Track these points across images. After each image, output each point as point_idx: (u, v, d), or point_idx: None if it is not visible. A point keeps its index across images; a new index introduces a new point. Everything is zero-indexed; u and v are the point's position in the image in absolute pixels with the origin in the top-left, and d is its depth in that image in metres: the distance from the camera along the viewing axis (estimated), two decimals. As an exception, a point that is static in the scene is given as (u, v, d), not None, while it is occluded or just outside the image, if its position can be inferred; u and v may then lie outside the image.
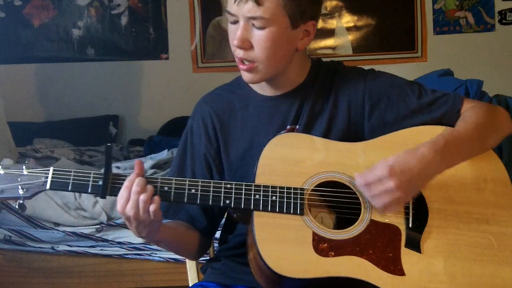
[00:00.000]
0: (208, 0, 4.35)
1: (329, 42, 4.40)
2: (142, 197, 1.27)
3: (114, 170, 1.31)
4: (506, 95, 2.53)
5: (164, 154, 3.09)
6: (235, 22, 1.38)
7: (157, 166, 2.89)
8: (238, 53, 1.40)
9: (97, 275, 2.74)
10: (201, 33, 4.38)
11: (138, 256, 2.69)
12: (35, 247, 2.70)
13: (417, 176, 1.29)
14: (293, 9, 1.37)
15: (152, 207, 1.27)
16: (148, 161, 2.92)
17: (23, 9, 4.34)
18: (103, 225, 2.65)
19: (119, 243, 2.66)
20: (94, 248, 2.68)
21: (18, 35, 4.35)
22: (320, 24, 4.39)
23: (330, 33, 4.38)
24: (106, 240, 2.66)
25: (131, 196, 1.27)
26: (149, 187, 1.29)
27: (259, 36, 1.37)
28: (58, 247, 2.69)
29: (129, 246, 2.66)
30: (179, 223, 1.51)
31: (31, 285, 2.74)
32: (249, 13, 1.34)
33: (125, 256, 2.69)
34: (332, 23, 4.38)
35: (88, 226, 2.66)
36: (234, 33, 1.38)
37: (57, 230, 2.67)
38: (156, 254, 2.67)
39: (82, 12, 4.36)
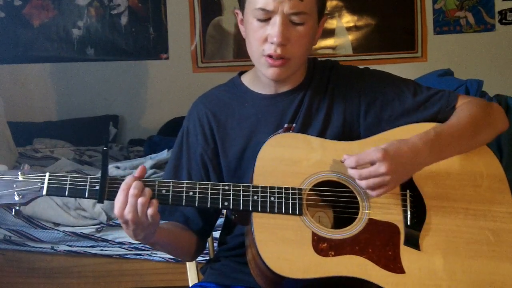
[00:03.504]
0: (208, 0, 4.35)
1: (329, 42, 4.40)
2: (140, 200, 1.26)
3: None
4: (506, 95, 2.53)
5: (164, 154, 3.09)
6: (265, 19, 1.36)
7: (157, 166, 2.88)
8: (276, 50, 1.36)
9: (97, 275, 2.73)
10: (201, 33, 4.38)
11: (138, 256, 2.69)
12: (35, 247, 2.70)
13: (408, 162, 1.31)
14: (321, 3, 1.40)
15: (150, 211, 1.26)
16: (148, 161, 2.92)
17: (23, 9, 4.34)
18: (103, 225, 2.64)
19: (119, 243, 2.66)
20: (94, 248, 2.68)
21: (18, 35, 4.34)
22: (320, 24, 4.38)
23: (330, 33, 4.38)
24: (106, 240, 2.66)
25: (128, 199, 1.26)
26: (147, 190, 1.27)
27: (299, 32, 1.37)
28: (58, 247, 2.69)
29: (129, 246, 2.66)
30: (174, 224, 1.50)
31: (31, 285, 2.74)
32: (293, 8, 1.34)
33: (125, 256, 2.69)
34: (332, 23, 4.38)
35: (88, 226, 2.66)
36: (265, 31, 1.36)
37: (57, 230, 2.67)
38: (156, 254, 2.67)
39: (82, 12, 4.36)
